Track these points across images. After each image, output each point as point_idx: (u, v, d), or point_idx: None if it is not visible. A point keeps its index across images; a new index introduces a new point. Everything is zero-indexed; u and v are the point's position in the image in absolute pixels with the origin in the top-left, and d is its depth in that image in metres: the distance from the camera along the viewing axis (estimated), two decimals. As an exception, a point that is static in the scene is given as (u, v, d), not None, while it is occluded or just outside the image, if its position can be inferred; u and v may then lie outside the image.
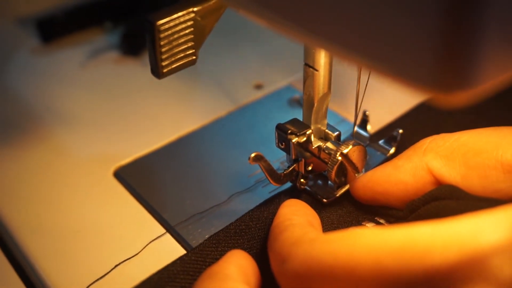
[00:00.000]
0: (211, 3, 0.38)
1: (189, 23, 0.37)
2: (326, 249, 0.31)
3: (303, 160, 0.44)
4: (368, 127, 0.49)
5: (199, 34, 0.38)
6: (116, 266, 0.42)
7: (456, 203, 0.36)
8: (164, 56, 0.37)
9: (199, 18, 0.37)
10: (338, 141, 0.44)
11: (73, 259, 0.43)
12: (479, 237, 0.28)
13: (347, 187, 0.44)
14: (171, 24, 0.37)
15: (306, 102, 0.43)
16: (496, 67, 0.24)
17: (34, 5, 0.72)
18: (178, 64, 0.38)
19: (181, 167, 0.50)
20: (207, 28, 0.38)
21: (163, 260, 0.40)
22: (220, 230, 0.42)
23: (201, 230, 0.44)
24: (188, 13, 0.37)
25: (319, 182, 0.46)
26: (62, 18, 0.67)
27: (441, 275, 0.28)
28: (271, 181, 0.43)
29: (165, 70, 0.38)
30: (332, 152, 0.42)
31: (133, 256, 0.42)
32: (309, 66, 0.41)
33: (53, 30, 0.67)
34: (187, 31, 0.38)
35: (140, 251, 0.43)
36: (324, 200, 0.44)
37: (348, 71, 0.56)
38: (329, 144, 0.43)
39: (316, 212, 0.41)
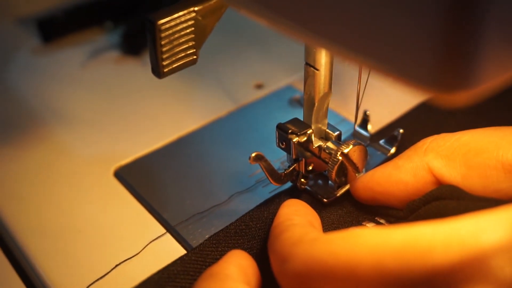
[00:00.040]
0: (212, 2, 0.37)
1: (190, 23, 0.37)
2: (327, 249, 0.31)
3: (303, 160, 0.44)
4: (369, 127, 0.49)
5: (200, 33, 0.38)
6: (116, 266, 0.42)
7: (457, 203, 0.36)
8: (165, 56, 0.37)
9: (200, 18, 0.37)
10: (338, 140, 0.44)
11: (73, 259, 0.43)
12: (480, 237, 0.27)
13: (347, 187, 0.44)
14: (172, 23, 0.36)
15: (306, 102, 0.43)
16: (497, 67, 0.24)
17: (34, 5, 0.72)
18: (179, 63, 0.38)
19: (182, 167, 0.50)
20: (208, 28, 0.38)
21: (163, 260, 0.40)
22: (220, 230, 0.42)
23: (201, 230, 0.44)
24: (189, 13, 0.37)
25: (320, 182, 0.46)
26: (63, 18, 0.67)
27: (442, 275, 0.28)
28: (272, 181, 0.43)
29: (166, 70, 0.38)
30: (333, 152, 0.42)
31: (133, 256, 0.42)
32: (310, 66, 0.41)
33: (53, 30, 0.67)
34: (188, 31, 0.37)
35: (140, 251, 0.43)
36: (325, 200, 0.44)
37: (349, 70, 0.56)
38: (329, 144, 0.43)
39: (316, 212, 0.41)
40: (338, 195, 0.44)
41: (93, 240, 0.44)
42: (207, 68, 0.62)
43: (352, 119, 0.51)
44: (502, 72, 0.24)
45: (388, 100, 0.55)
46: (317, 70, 0.41)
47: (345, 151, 0.42)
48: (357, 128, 0.49)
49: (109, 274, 0.41)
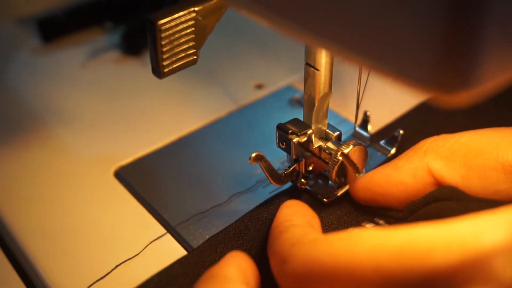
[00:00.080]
0: (212, 2, 0.37)
1: (190, 23, 0.37)
2: (327, 250, 0.31)
3: (303, 160, 0.44)
4: (369, 127, 0.49)
5: (200, 33, 0.38)
6: (116, 266, 0.42)
7: (457, 204, 0.36)
8: (165, 56, 0.37)
9: (200, 18, 0.37)
10: (338, 141, 0.44)
11: (73, 259, 0.43)
12: (481, 238, 0.27)
13: (347, 187, 0.44)
14: (172, 23, 0.36)
15: (307, 102, 0.43)
16: (497, 67, 0.24)
17: (34, 5, 0.72)
18: (179, 64, 0.38)
19: (182, 167, 0.50)
20: (208, 28, 0.38)
21: (163, 261, 0.40)
22: (219, 232, 0.42)
23: (201, 230, 0.44)
24: (189, 13, 0.37)
25: (320, 182, 0.46)
26: (63, 18, 0.67)
27: (442, 276, 0.28)
28: (272, 181, 0.43)
29: (166, 70, 0.38)
30: (333, 152, 0.42)
31: (133, 257, 0.42)
32: (310, 66, 0.41)
33: (53, 30, 0.67)
34: (188, 31, 0.37)
35: (140, 252, 0.43)
36: (325, 200, 0.44)
37: (349, 71, 0.56)
38: (329, 144, 0.43)
39: (316, 212, 0.41)
40: (338, 195, 0.44)
41: (93, 240, 0.44)
42: (207, 68, 0.62)
43: (352, 119, 0.51)
44: (502, 72, 0.24)
45: (389, 100, 0.55)
46: (317, 70, 0.41)
47: (345, 151, 0.42)
48: (357, 129, 0.49)
49: (110, 274, 0.41)
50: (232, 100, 0.58)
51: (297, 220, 0.38)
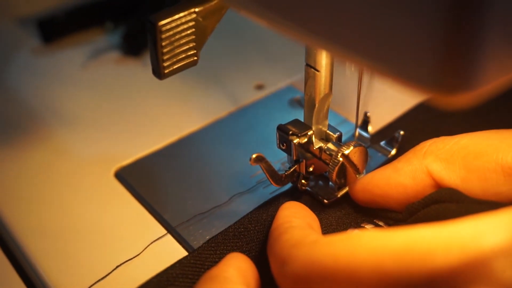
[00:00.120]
0: (212, 3, 0.37)
1: (190, 24, 0.37)
2: (327, 252, 0.31)
3: (304, 161, 0.44)
4: (370, 128, 0.49)
5: (201, 34, 0.38)
6: (117, 267, 0.42)
7: (456, 206, 0.36)
8: (165, 57, 0.37)
9: (200, 19, 0.37)
10: (339, 142, 0.44)
11: (74, 260, 0.43)
12: (481, 239, 0.27)
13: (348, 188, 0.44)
14: (173, 24, 0.36)
15: (307, 103, 0.43)
16: (498, 69, 0.24)
17: (35, 5, 0.72)
18: (179, 64, 0.38)
19: (182, 168, 0.50)
20: (208, 29, 0.38)
21: (164, 261, 0.40)
22: (219, 233, 0.42)
23: (202, 231, 0.44)
24: (189, 14, 0.37)
25: (320, 183, 0.46)
26: (63, 18, 0.67)
27: (443, 278, 0.28)
28: (272, 182, 0.43)
29: (166, 71, 0.38)
30: (333, 153, 0.42)
31: (134, 257, 0.42)
32: (310, 67, 0.41)
33: (54, 30, 0.67)
34: (188, 32, 0.37)
35: (141, 252, 0.43)
36: (325, 201, 0.44)
37: (350, 72, 0.56)
38: (330, 145, 0.43)
39: (315, 213, 0.41)
40: (338, 196, 0.44)
41: (93, 240, 0.44)
42: (208, 69, 0.62)
43: (353, 120, 0.51)
44: (503, 74, 0.24)
45: (389, 101, 0.55)
46: (318, 71, 0.41)
47: (346, 152, 0.42)
48: (358, 130, 0.49)
49: (110, 275, 0.41)
50: (232, 100, 0.58)
51: (296, 222, 0.37)
